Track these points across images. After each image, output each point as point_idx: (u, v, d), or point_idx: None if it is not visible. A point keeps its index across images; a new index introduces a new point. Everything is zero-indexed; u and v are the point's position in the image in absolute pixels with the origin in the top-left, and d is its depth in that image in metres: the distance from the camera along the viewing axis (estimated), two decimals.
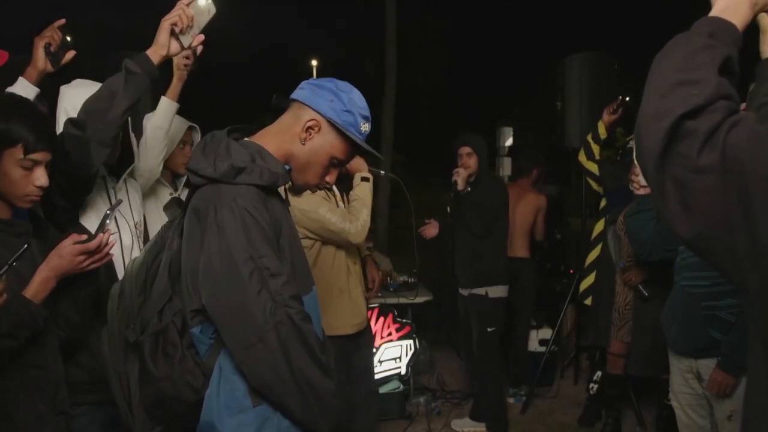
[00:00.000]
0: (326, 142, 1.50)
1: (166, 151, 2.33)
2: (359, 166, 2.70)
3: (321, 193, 2.57)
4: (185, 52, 1.90)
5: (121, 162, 2.11)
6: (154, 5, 2.10)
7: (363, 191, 2.66)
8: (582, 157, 3.91)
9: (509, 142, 4.82)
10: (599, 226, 3.86)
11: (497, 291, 3.56)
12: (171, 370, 1.39)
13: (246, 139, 1.52)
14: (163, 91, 2.25)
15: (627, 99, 4.09)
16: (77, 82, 2.04)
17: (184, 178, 2.55)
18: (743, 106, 0.97)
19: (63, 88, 2.01)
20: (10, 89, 1.89)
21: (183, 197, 2.06)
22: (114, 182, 2.09)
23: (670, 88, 0.90)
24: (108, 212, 1.60)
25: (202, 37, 1.78)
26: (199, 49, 1.84)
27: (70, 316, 1.66)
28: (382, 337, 3.99)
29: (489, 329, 3.53)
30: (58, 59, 1.97)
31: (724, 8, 0.96)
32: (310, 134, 1.49)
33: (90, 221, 1.89)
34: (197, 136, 2.61)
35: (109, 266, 1.84)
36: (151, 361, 1.41)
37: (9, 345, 1.45)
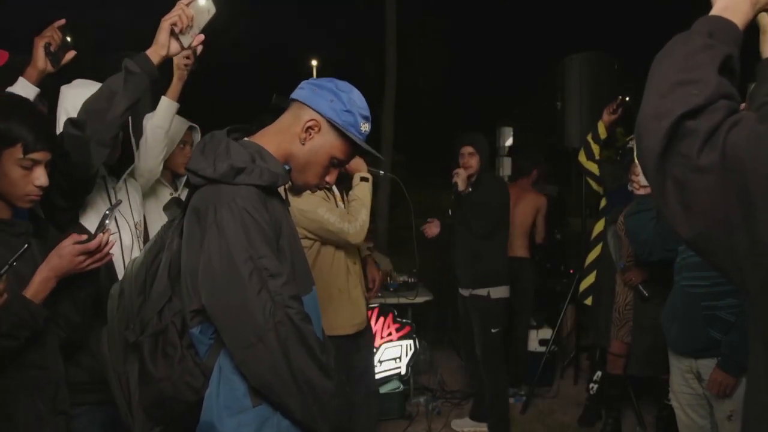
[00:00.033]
0: (326, 142, 1.50)
1: (167, 151, 2.32)
2: (358, 166, 2.70)
3: (320, 193, 2.56)
4: (185, 52, 1.90)
5: (121, 162, 2.11)
6: (154, 5, 2.10)
7: (362, 191, 2.66)
8: (582, 157, 3.91)
9: (509, 142, 4.82)
10: (599, 225, 3.86)
11: (499, 292, 3.56)
12: (170, 371, 1.39)
13: (246, 139, 1.52)
14: (163, 91, 2.25)
15: (627, 99, 4.09)
16: (78, 82, 2.04)
17: (184, 178, 2.55)
18: (743, 105, 0.97)
19: (63, 88, 2.01)
20: (10, 89, 1.89)
21: (183, 197, 2.06)
22: (114, 182, 2.09)
23: (670, 87, 0.90)
24: (107, 212, 1.60)
25: (202, 37, 1.78)
26: (199, 48, 1.84)
27: (70, 316, 1.66)
28: (382, 337, 3.99)
29: (493, 330, 3.52)
30: (58, 59, 1.97)
31: (724, 7, 0.96)
32: (310, 134, 1.49)
33: (90, 221, 1.88)
34: (197, 136, 2.61)
35: (109, 266, 1.84)
36: (151, 361, 1.41)
37: (9, 345, 1.45)
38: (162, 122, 2.24)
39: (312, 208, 2.50)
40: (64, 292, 1.60)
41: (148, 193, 2.39)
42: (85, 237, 1.56)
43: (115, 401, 1.50)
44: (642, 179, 2.76)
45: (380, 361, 3.92)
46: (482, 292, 3.54)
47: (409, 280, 4.50)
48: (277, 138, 1.51)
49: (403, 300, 4.13)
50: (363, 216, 2.60)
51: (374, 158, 1.63)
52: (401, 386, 4.05)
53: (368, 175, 2.71)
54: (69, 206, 1.86)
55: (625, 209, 3.18)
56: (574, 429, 3.89)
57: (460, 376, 4.56)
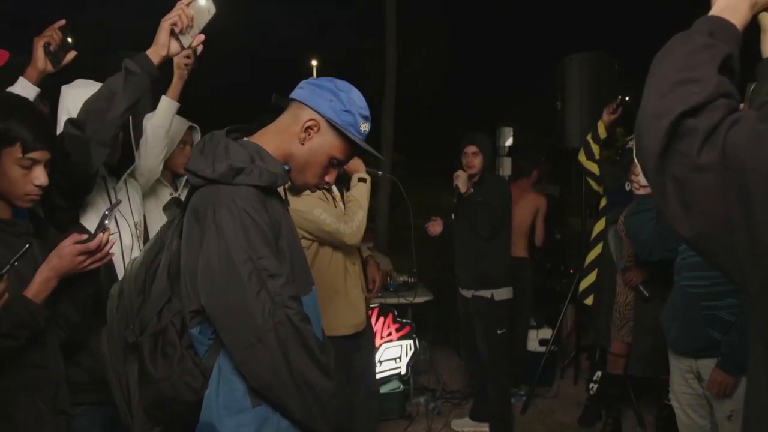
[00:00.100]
0: (325, 142, 1.50)
1: (167, 151, 2.33)
2: (357, 166, 2.69)
3: (318, 193, 2.56)
4: (185, 52, 1.90)
5: (121, 162, 2.12)
6: (154, 5, 2.10)
7: (359, 192, 2.66)
8: (582, 157, 3.91)
9: (509, 142, 4.82)
10: (599, 225, 3.86)
11: (503, 293, 3.55)
12: (170, 371, 1.39)
13: (245, 139, 1.52)
14: (164, 91, 2.25)
15: (626, 98, 4.10)
16: (79, 82, 2.04)
17: (184, 178, 2.55)
18: (742, 105, 0.97)
19: (64, 88, 2.02)
20: (10, 89, 1.89)
21: (183, 197, 2.06)
22: (114, 182, 2.09)
23: (670, 87, 0.90)
24: (107, 212, 1.59)
25: (202, 37, 1.78)
26: (200, 48, 1.84)
27: (70, 316, 1.66)
28: (382, 337, 3.99)
29: (499, 331, 3.52)
30: (58, 59, 1.97)
31: (723, 7, 0.96)
32: (309, 134, 1.49)
33: (90, 221, 1.89)
34: (197, 136, 2.61)
35: (109, 266, 1.84)
36: (150, 361, 1.41)
37: (10, 345, 1.45)
38: (162, 122, 2.24)
39: (309, 209, 2.50)
40: (64, 292, 1.60)
41: (148, 193, 2.39)
42: (85, 237, 1.56)
43: (115, 401, 1.50)
44: (642, 179, 2.76)
45: (380, 361, 3.92)
46: (486, 293, 3.53)
47: (409, 280, 4.50)
48: (276, 138, 1.50)
49: (403, 300, 4.13)
50: (359, 217, 2.59)
51: (374, 158, 1.63)
52: (401, 386, 4.04)
53: (366, 176, 2.70)
54: (69, 206, 1.86)
55: (625, 209, 3.18)
56: (574, 429, 3.89)
57: (460, 376, 4.57)
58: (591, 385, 3.91)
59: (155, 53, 1.74)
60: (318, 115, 1.48)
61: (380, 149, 6.98)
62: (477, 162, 3.55)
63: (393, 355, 4.04)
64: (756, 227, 0.81)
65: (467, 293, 3.63)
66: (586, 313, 4.23)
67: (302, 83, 1.54)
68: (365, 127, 1.53)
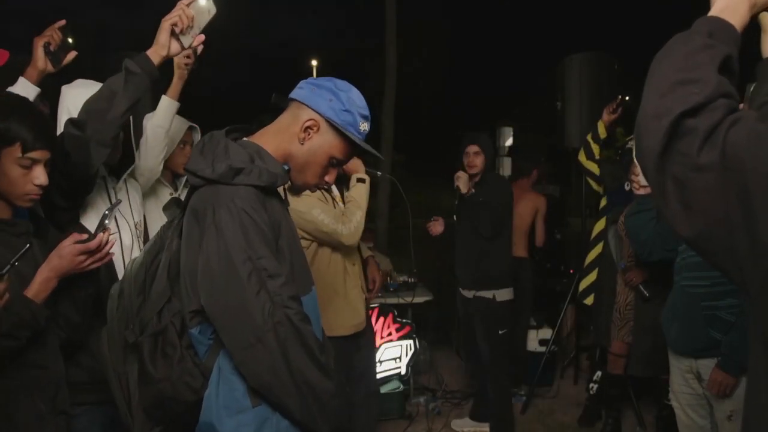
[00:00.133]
0: (325, 142, 1.50)
1: (167, 151, 2.33)
2: (356, 167, 2.69)
3: (318, 194, 2.56)
4: (186, 52, 1.90)
5: (122, 162, 2.12)
6: (154, 5, 2.10)
7: (358, 193, 2.65)
8: (582, 157, 3.91)
9: (509, 142, 4.82)
10: (599, 225, 3.86)
11: (504, 294, 3.54)
12: (170, 371, 1.39)
13: (245, 139, 1.52)
14: (164, 91, 2.25)
15: (626, 98, 4.09)
16: (79, 82, 2.04)
17: (184, 179, 2.55)
18: (741, 106, 0.97)
19: (64, 88, 2.02)
20: (10, 89, 1.89)
21: (183, 197, 2.06)
22: (114, 182, 2.09)
23: (670, 87, 0.90)
24: (107, 212, 1.60)
25: (202, 37, 1.78)
26: (200, 48, 1.84)
27: (70, 316, 1.66)
28: (382, 337, 3.99)
29: (500, 332, 3.52)
30: (58, 59, 1.97)
31: (723, 8, 0.97)
32: (308, 134, 1.49)
33: (90, 221, 1.89)
34: (197, 136, 2.61)
35: (109, 266, 1.84)
36: (150, 362, 1.41)
37: (10, 345, 1.45)
38: (162, 121, 2.24)
39: (307, 209, 2.50)
40: (64, 292, 1.60)
41: (148, 193, 2.39)
42: (85, 236, 1.56)
43: (115, 401, 1.50)
44: (642, 179, 2.76)
45: (380, 361, 3.92)
46: (487, 294, 3.52)
47: (409, 280, 4.50)
48: (276, 138, 1.50)
49: (402, 300, 4.13)
50: (357, 218, 2.58)
51: (374, 158, 1.63)
52: (401, 386, 4.04)
53: (365, 176, 2.70)
54: (69, 206, 1.86)
55: (625, 209, 3.18)
56: (574, 429, 3.89)
57: (460, 376, 4.56)
58: (591, 385, 3.91)
59: (155, 53, 1.74)
60: (317, 115, 1.48)
61: (380, 149, 6.98)
62: (478, 162, 3.55)
63: (393, 355, 4.04)
64: (756, 227, 0.81)
65: (468, 294, 3.63)
66: (586, 313, 4.23)
67: (302, 83, 1.54)
68: (365, 126, 1.53)
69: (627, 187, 3.19)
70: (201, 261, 1.35)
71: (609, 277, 3.57)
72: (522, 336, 4.50)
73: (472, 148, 3.56)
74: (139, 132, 2.24)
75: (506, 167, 4.82)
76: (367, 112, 1.54)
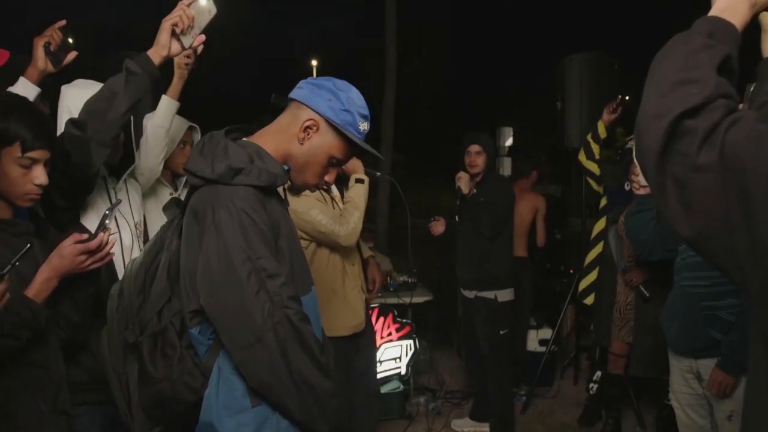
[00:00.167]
0: (324, 142, 1.50)
1: (167, 150, 2.33)
2: (355, 167, 2.68)
3: (316, 194, 2.56)
4: (186, 51, 1.90)
5: (121, 162, 2.12)
6: (154, 5, 2.10)
7: (356, 193, 2.65)
8: (582, 157, 3.91)
9: (509, 142, 4.82)
10: (599, 225, 3.86)
11: (506, 294, 3.54)
12: (170, 371, 1.39)
13: (244, 139, 1.52)
14: (164, 90, 2.25)
15: (626, 98, 4.09)
16: (79, 82, 2.04)
17: (184, 179, 2.54)
18: (741, 106, 0.97)
19: (64, 88, 2.02)
20: (11, 89, 1.89)
21: (183, 197, 2.07)
22: (114, 182, 2.09)
23: (670, 87, 0.90)
24: (107, 212, 1.60)
25: (203, 37, 1.78)
26: (200, 48, 1.84)
27: (70, 316, 1.66)
28: (382, 337, 3.99)
29: (501, 332, 3.52)
30: (59, 59, 1.97)
31: (723, 8, 0.97)
32: (308, 134, 1.49)
33: (90, 221, 1.89)
34: (197, 136, 2.61)
35: (110, 266, 1.84)
36: (150, 362, 1.41)
37: (11, 345, 1.45)
38: (162, 121, 2.24)
39: (305, 210, 2.49)
40: (64, 293, 1.60)
41: (148, 193, 2.39)
42: (86, 236, 1.56)
43: (115, 401, 1.50)
44: (642, 179, 2.76)
45: (380, 361, 3.92)
46: (489, 294, 3.52)
47: (409, 280, 4.50)
48: (275, 138, 1.50)
49: (403, 300, 4.13)
50: (355, 218, 2.58)
51: (374, 158, 1.63)
52: (401, 386, 4.04)
53: (364, 177, 2.69)
54: (69, 206, 1.86)
55: (626, 209, 3.18)
56: (574, 429, 3.89)
57: (460, 376, 4.56)
58: (591, 385, 3.91)
59: (156, 53, 1.74)
60: (317, 115, 1.48)
61: (380, 149, 6.97)
62: (480, 161, 3.55)
63: (393, 355, 4.04)
64: (756, 227, 0.81)
65: (470, 294, 3.63)
66: (586, 313, 4.23)
67: (301, 83, 1.54)
68: (364, 126, 1.53)
69: (627, 187, 3.19)
70: (201, 261, 1.35)
71: (609, 277, 3.57)
72: (522, 336, 4.50)
73: (474, 148, 3.56)
74: (139, 132, 2.24)
75: (506, 167, 4.82)
76: (366, 112, 1.54)
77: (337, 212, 2.59)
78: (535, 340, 4.52)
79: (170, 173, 2.58)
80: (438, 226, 3.81)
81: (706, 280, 2.26)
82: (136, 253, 1.94)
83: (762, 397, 0.93)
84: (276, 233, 1.42)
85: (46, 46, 1.95)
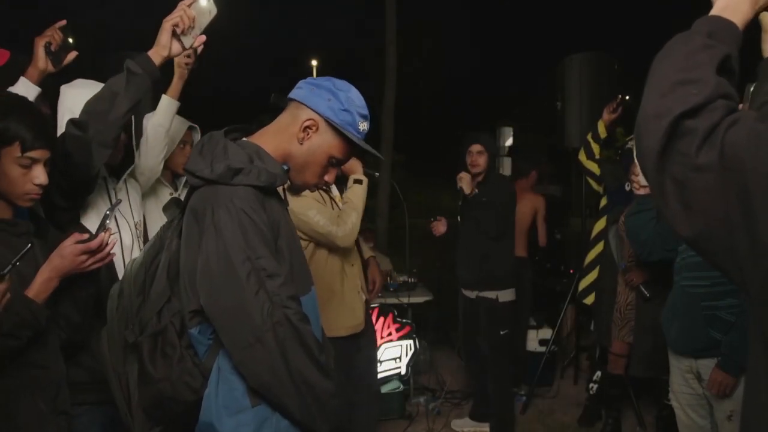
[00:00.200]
0: (324, 142, 1.50)
1: (167, 150, 2.32)
2: (353, 168, 2.68)
3: (315, 194, 2.56)
4: (186, 51, 1.90)
5: (121, 162, 2.12)
6: (155, 5, 2.10)
7: (355, 194, 2.64)
8: (582, 157, 3.91)
9: (509, 142, 4.82)
10: (599, 224, 3.86)
11: (507, 295, 3.55)
12: (170, 371, 1.39)
13: (244, 139, 1.52)
14: (164, 90, 2.25)
15: (627, 98, 4.09)
16: (78, 82, 2.04)
17: (184, 179, 2.54)
18: (741, 106, 0.97)
19: (64, 88, 2.01)
20: (11, 89, 1.89)
21: (183, 197, 2.07)
22: (114, 183, 2.09)
23: (670, 87, 0.90)
24: (108, 212, 1.60)
25: (203, 37, 1.78)
26: (200, 48, 1.84)
27: (71, 316, 1.66)
28: (382, 337, 3.98)
29: (502, 332, 3.52)
30: (59, 59, 1.97)
31: (724, 7, 0.97)
32: (307, 134, 1.49)
33: (91, 221, 1.89)
34: (197, 136, 2.61)
35: (110, 266, 1.84)
36: (150, 361, 1.41)
37: (11, 345, 1.45)
38: (163, 121, 2.24)
39: (303, 210, 2.49)
40: (65, 293, 1.60)
41: (148, 193, 2.39)
42: (86, 236, 1.56)
43: (115, 401, 1.50)
44: (642, 179, 2.76)
45: (380, 361, 3.91)
46: (491, 294, 3.52)
47: (409, 280, 4.50)
48: (275, 138, 1.51)
49: (403, 300, 4.13)
50: (353, 219, 2.57)
51: (374, 157, 1.63)
52: (401, 386, 4.04)
53: (362, 178, 2.69)
54: (69, 206, 1.86)
55: (626, 209, 3.18)
56: (574, 429, 3.89)
57: (460, 376, 4.56)
58: (591, 385, 3.91)
59: (157, 54, 1.74)
60: (316, 115, 1.48)
61: (380, 149, 6.97)
62: (482, 161, 3.54)
63: (393, 355, 4.04)
64: (756, 227, 0.81)
65: (471, 294, 3.62)
66: (586, 313, 4.23)
67: (301, 83, 1.54)
68: (364, 126, 1.53)
69: (628, 188, 3.19)
70: (200, 261, 1.35)
71: (610, 277, 3.57)
72: (522, 336, 4.50)
73: (475, 147, 3.56)
74: (139, 132, 2.24)
75: (506, 167, 4.82)
76: (366, 112, 1.54)
77: (335, 213, 2.59)
78: (535, 340, 4.52)
79: (170, 173, 2.58)
80: (440, 226, 3.80)
81: (706, 280, 2.26)
82: (136, 253, 1.94)
83: (762, 397, 0.93)
84: (276, 233, 1.42)
85: (47, 46, 1.95)
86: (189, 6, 1.73)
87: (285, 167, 1.50)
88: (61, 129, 1.82)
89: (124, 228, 2.05)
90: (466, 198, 3.49)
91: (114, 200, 2.01)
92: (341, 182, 2.75)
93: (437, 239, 3.87)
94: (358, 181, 2.67)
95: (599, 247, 3.82)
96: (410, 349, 4.08)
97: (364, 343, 2.85)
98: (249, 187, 1.38)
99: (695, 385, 2.36)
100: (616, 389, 3.65)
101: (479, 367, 3.76)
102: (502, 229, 3.46)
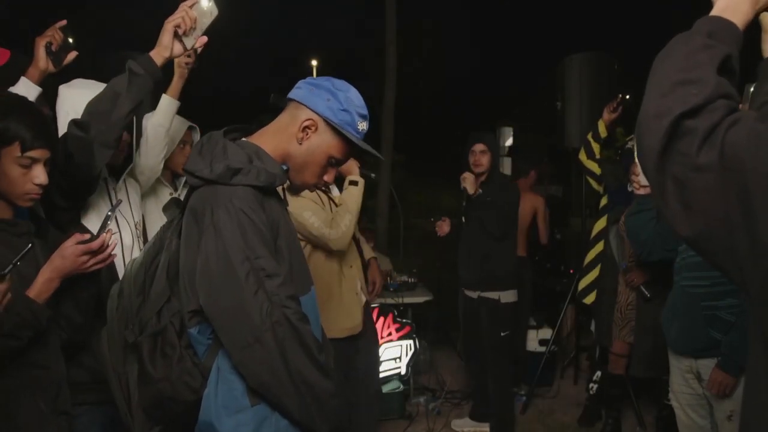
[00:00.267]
0: (323, 142, 1.50)
1: (167, 150, 2.33)
2: (350, 168, 2.67)
3: (312, 195, 2.56)
4: (187, 51, 1.90)
5: (122, 162, 2.12)
6: (155, 6, 2.10)
7: (349, 196, 2.64)
8: (582, 156, 3.91)
9: (509, 142, 4.82)
10: (599, 224, 3.86)
11: (509, 296, 3.54)
12: (169, 371, 1.39)
13: (243, 139, 1.52)
14: (164, 90, 2.26)
15: (627, 97, 4.10)
16: (77, 82, 2.04)
17: (184, 179, 2.54)
18: (741, 106, 0.97)
19: (62, 88, 2.01)
20: (12, 89, 1.89)
21: (182, 197, 2.06)
22: (114, 183, 2.09)
23: (670, 87, 0.90)
24: (110, 213, 1.60)
25: (204, 38, 1.78)
26: (201, 48, 1.84)
27: (72, 316, 1.66)
28: (382, 337, 3.98)
29: (502, 333, 3.52)
30: (59, 59, 1.98)
31: (724, 7, 0.97)
32: (307, 134, 1.49)
33: (91, 222, 1.89)
34: (197, 136, 2.61)
35: (110, 266, 1.84)
36: (150, 361, 1.41)
37: (12, 345, 1.45)
38: (163, 120, 2.24)
39: (299, 211, 2.49)
40: (66, 293, 1.60)
41: (148, 192, 2.39)
42: (87, 236, 1.56)
43: (115, 401, 1.50)
44: (642, 179, 2.76)
45: (380, 361, 3.92)
46: (493, 295, 3.52)
47: (409, 280, 4.50)
48: (274, 138, 1.51)
49: (403, 300, 4.13)
50: (346, 221, 2.57)
51: (374, 157, 1.63)
52: (401, 386, 4.04)
53: (358, 179, 2.68)
54: (69, 206, 1.86)
55: (626, 209, 3.18)
56: (574, 429, 3.89)
57: (460, 376, 4.56)
58: (591, 385, 3.91)
59: (158, 55, 1.75)
60: (315, 115, 1.49)
61: (380, 149, 6.97)
62: (485, 160, 3.54)
63: (393, 355, 4.04)
64: (756, 227, 0.81)
65: (473, 294, 3.62)
66: (586, 313, 4.23)
67: (300, 83, 1.55)
68: (363, 126, 1.53)
69: (630, 188, 3.19)
70: (200, 261, 1.35)
71: (610, 277, 3.57)
72: (522, 336, 4.50)
73: (479, 147, 3.55)
74: (139, 131, 2.24)
75: (506, 167, 4.82)
76: (365, 112, 1.54)
77: (330, 215, 2.59)
78: (535, 340, 4.52)
79: (170, 173, 2.58)
80: (444, 226, 3.80)
81: (706, 280, 2.26)
82: (137, 253, 1.94)
83: (762, 397, 0.93)
84: (275, 233, 1.42)
85: (48, 46, 1.95)
86: (191, 7, 1.73)
87: (284, 167, 1.50)
88: (60, 129, 1.82)
89: (124, 228, 2.05)
90: (470, 198, 3.49)
91: (114, 200, 2.01)
92: (340, 183, 2.75)
93: (437, 239, 3.86)
94: (353, 183, 2.66)
95: (599, 247, 3.82)
96: (410, 349, 4.08)
97: (363, 345, 2.84)
98: (248, 187, 1.38)
99: (695, 385, 2.36)
100: (617, 389, 3.65)
101: (479, 367, 3.75)
102: (504, 229, 3.45)
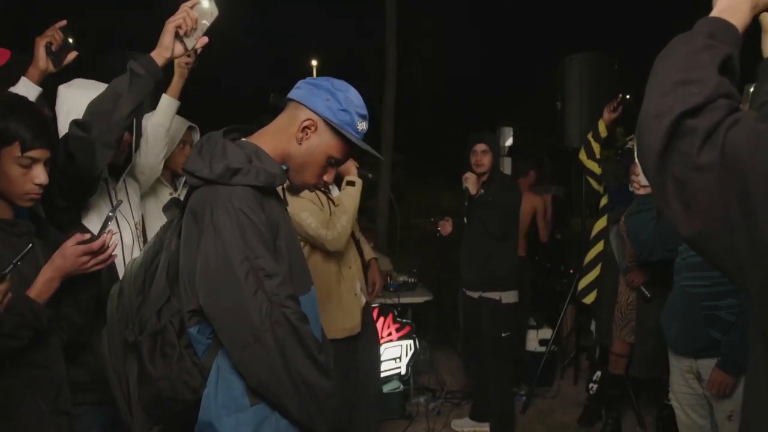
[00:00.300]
0: (323, 142, 1.50)
1: (167, 149, 2.33)
2: (347, 169, 2.67)
3: (310, 195, 2.56)
4: (188, 51, 1.90)
5: (122, 163, 2.12)
6: (155, 6, 2.10)
7: (347, 196, 2.64)
8: (582, 156, 3.91)
9: (509, 142, 4.83)
10: (600, 224, 3.86)
11: (510, 296, 3.55)
12: (169, 370, 1.40)
13: (243, 139, 1.52)
14: (164, 89, 2.26)
15: (627, 97, 4.10)
16: (77, 82, 2.04)
17: (184, 179, 2.54)
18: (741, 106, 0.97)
19: (62, 88, 2.01)
20: (12, 89, 1.89)
21: (182, 197, 2.06)
22: (114, 183, 2.09)
23: (671, 86, 0.90)
24: (110, 214, 1.61)
25: (205, 39, 1.79)
26: (201, 48, 1.84)
27: (72, 317, 1.66)
28: (382, 337, 3.98)
29: (504, 334, 3.52)
30: (60, 60, 1.98)
31: (724, 8, 0.97)
32: (306, 134, 1.49)
33: (92, 222, 1.89)
34: (197, 136, 2.61)
35: (111, 266, 1.84)
36: (150, 361, 1.42)
37: (12, 345, 1.45)
38: (163, 120, 2.24)
39: (297, 211, 2.49)
40: (66, 294, 1.60)
41: (148, 192, 2.39)
42: (88, 236, 1.56)
43: (115, 401, 1.50)
44: (642, 179, 2.76)
45: (381, 361, 3.92)
46: (494, 295, 3.52)
47: (409, 280, 4.50)
48: (274, 138, 1.51)
49: (403, 300, 4.13)
50: (343, 222, 2.57)
51: (374, 157, 1.63)
52: (401, 386, 4.04)
53: (356, 179, 2.68)
54: (70, 206, 1.86)
55: (627, 209, 3.18)
56: (574, 429, 3.89)
57: (460, 376, 4.56)
58: (591, 385, 3.91)
59: (159, 55, 1.75)
60: (315, 115, 1.49)
61: (380, 149, 6.97)
62: (486, 160, 3.54)
63: (393, 355, 4.04)
64: (756, 227, 0.81)
65: (474, 294, 3.62)
66: (585, 313, 4.23)
67: (300, 83, 1.55)
68: (363, 126, 1.53)
69: (630, 188, 3.20)
70: (199, 261, 1.35)
71: (611, 277, 3.57)
72: (522, 336, 4.51)
73: (480, 147, 3.55)
74: (139, 131, 2.24)
75: (506, 167, 4.82)
76: (365, 112, 1.54)
77: (327, 216, 2.58)
78: (535, 340, 4.52)
79: (170, 173, 2.58)
80: (447, 226, 3.80)
81: (706, 280, 2.26)
82: (137, 253, 1.94)
83: (762, 397, 0.94)
84: (275, 233, 1.42)
85: (48, 46, 1.95)
86: (191, 8, 1.73)
87: (284, 167, 1.50)
88: (61, 129, 1.82)
89: (124, 228, 2.05)
90: (472, 198, 3.49)
91: (115, 201, 2.01)
92: (340, 183, 2.75)
93: (437, 239, 3.87)
94: (350, 183, 2.66)
95: (599, 247, 3.82)
96: (410, 349, 4.09)
97: (362, 345, 2.84)
98: (248, 187, 1.38)
99: (695, 385, 2.36)
100: (617, 389, 3.65)
101: (479, 367, 3.75)
102: (506, 229, 3.45)
